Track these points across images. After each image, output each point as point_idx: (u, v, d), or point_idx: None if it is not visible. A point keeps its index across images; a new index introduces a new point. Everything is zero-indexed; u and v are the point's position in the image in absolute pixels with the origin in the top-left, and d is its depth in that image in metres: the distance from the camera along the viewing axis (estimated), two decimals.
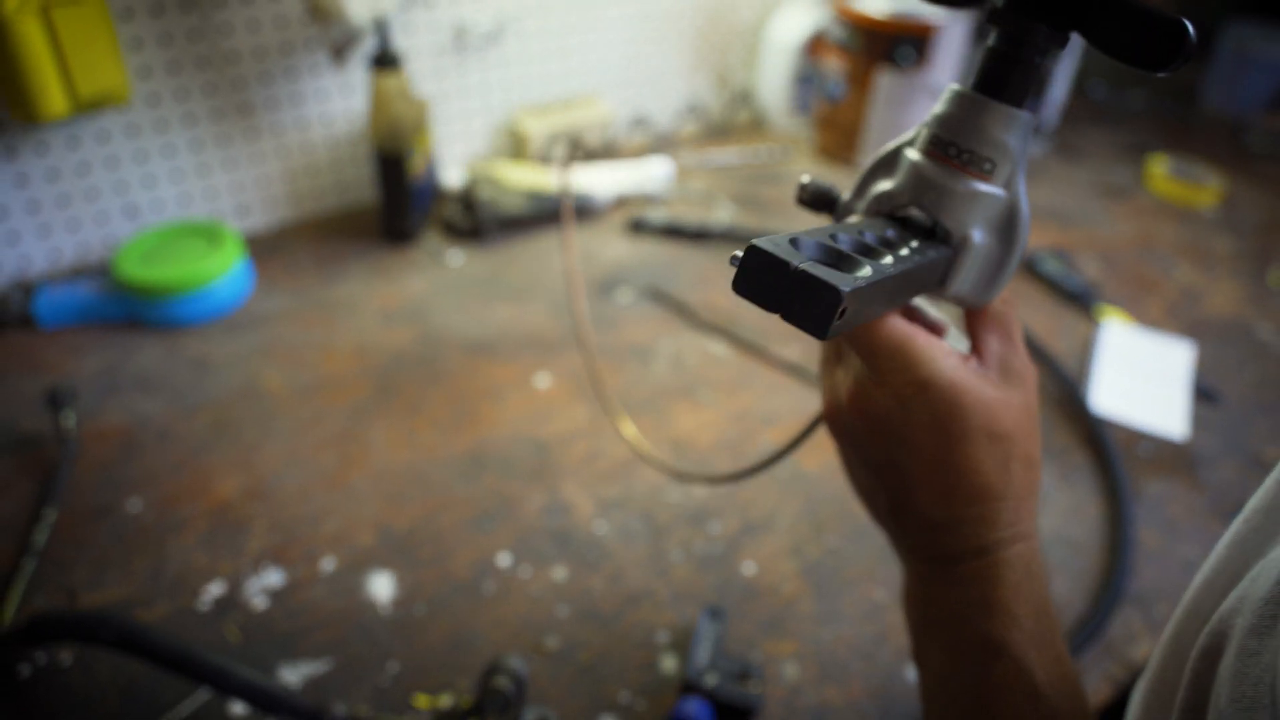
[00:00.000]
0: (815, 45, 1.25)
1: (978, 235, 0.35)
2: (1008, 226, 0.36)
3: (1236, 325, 0.96)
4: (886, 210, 0.37)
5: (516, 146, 1.16)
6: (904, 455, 0.35)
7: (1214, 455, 0.77)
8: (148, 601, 0.59)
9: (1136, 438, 0.79)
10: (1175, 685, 0.30)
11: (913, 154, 0.36)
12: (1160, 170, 1.24)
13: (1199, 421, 0.81)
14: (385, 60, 0.91)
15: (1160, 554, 0.67)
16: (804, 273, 0.26)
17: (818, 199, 0.40)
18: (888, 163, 0.38)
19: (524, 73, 1.13)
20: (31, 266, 0.91)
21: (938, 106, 0.36)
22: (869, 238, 0.33)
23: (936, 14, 1.10)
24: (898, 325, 0.34)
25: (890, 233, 0.35)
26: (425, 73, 1.05)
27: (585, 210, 1.09)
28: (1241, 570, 0.30)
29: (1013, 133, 0.34)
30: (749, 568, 0.64)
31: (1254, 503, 0.33)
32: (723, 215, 1.11)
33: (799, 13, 1.26)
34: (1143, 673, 0.41)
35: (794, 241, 0.29)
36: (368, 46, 0.94)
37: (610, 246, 1.04)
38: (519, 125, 1.14)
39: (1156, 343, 0.91)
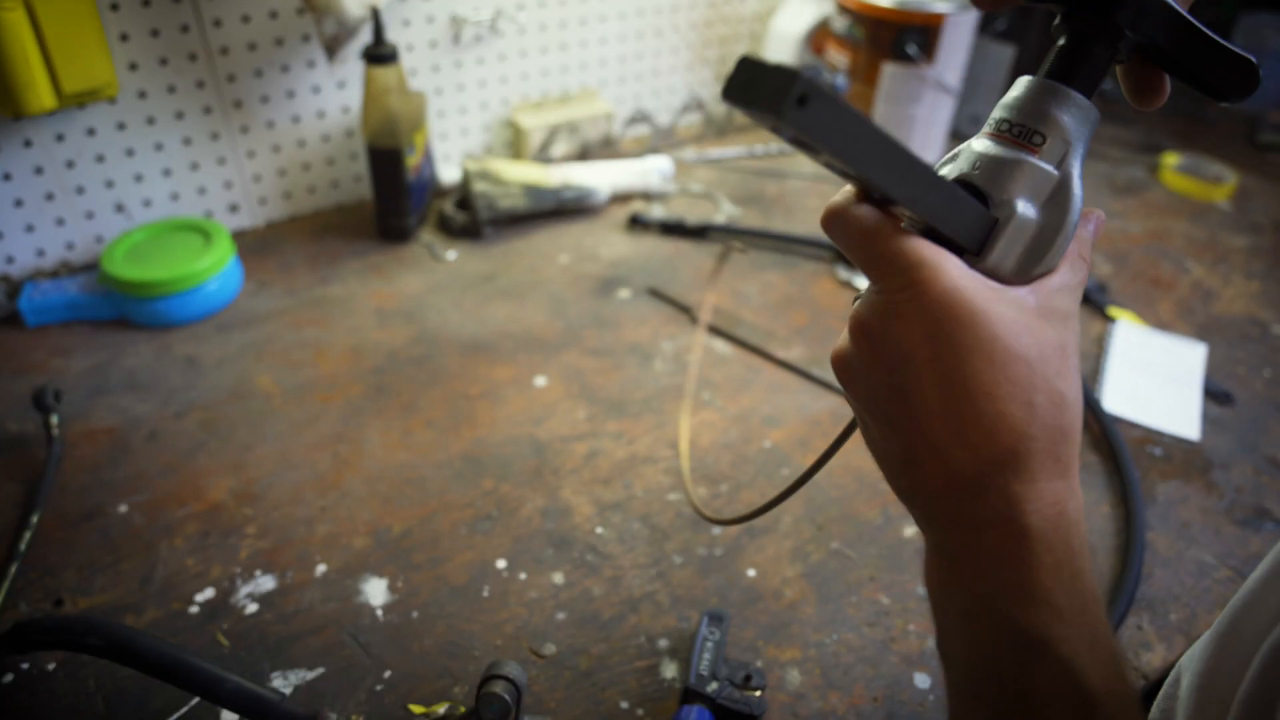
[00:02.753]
0: (819, 38, 1.23)
1: (1021, 205, 0.34)
2: (1056, 204, 0.35)
3: (1251, 324, 0.94)
4: None
5: (514, 142, 1.14)
6: (910, 378, 0.32)
7: (1228, 457, 0.76)
8: (137, 606, 0.58)
9: (1148, 439, 0.77)
10: (1235, 678, 0.28)
11: (975, 140, 0.37)
12: (1173, 166, 1.23)
13: (1212, 422, 0.79)
14: (380, 54, 0.90)
15: (1173, 557, 0.66)
16: (775, 64, 0.28)
17: None
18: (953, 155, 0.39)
19: (522, 67, 1.11)
20: (17, 264, 0.90)
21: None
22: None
23: (942, 3, 1.08)
24: (908, 236, 0.32)
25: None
26: (421, 67, 1.03)
27: (584, 207, 1.07)
28: None
29: (1067, 112, 0.35)
30: (751, 571, 0.63)
31: None
32: (723, 212, 1.09)
33: (802, 5, 1.24)
34: (1170, 677, 0.39)
35: None
36: (362, 40, 0.92)
37: (609, 244, 1.02)
38: (517, 120, 1.12)
39: (1169, 342, 0.89)
